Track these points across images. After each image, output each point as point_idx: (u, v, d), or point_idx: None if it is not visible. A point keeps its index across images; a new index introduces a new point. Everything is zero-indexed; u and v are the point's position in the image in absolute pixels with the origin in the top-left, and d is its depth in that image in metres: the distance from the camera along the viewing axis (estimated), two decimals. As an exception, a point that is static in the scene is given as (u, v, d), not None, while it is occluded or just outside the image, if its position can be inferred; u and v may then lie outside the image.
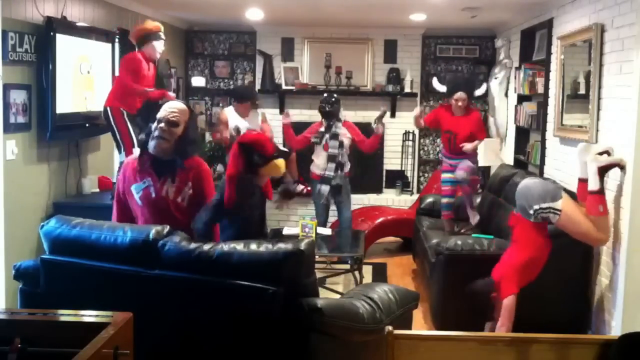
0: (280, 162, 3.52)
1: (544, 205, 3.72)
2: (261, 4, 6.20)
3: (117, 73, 5.48)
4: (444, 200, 5.70)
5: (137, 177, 3.37)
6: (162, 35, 4.96)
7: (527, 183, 3.96)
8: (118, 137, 4.75)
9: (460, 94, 5.48)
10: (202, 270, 2.75)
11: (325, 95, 6.19)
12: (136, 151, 3.60)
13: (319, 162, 6.05)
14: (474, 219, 5.57)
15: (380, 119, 6.03)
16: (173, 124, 3.28)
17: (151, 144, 3.28)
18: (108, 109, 4.75)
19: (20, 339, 1.94)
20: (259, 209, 3.65)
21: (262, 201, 3.66)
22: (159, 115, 3.31)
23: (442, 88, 5.98)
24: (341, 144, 5.99)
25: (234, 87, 7.78)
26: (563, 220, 3.74)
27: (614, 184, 3.98)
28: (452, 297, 4.37)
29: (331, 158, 5.98)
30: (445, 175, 5.71)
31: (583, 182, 3.95)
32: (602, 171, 3.86)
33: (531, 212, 3.74)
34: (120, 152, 4.86)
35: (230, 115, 6.27)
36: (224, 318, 2.74)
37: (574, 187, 4.24)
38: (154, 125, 3.31)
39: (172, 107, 3.34)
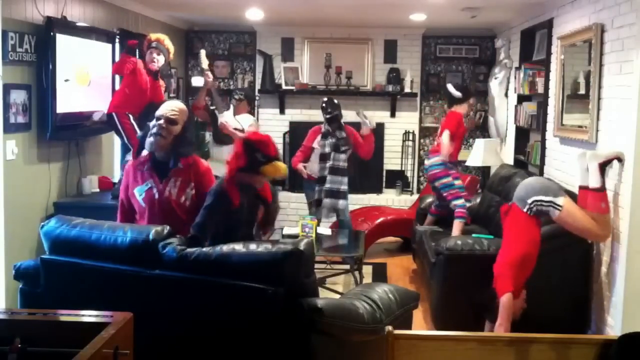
0: (282, 165, 3.39)
1: (545, 199, 3.72)
2: (261, 4, 6.20)
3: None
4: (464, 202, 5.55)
5: (138, 179, 3.39)
6: (159, 46, 4.92)
7: (530, 179, 3.98)
8: (126, 140, 4.76)
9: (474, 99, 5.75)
10: (202, 271, 2.75)
11: (325, 99, 6.09)
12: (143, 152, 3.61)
13: (314, 168, 6.03)
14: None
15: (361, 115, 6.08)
16: (172, 121, 3.32)
17: (148, 141, 3.32)
18: (114, 114, 4.76)
19: (20, 339, 1.94)
20: (252, 215, 3.43)
21: (255, 205, 3.44)
22: (158, 112, 3.36)
23: (458, 94, 5.95)
24: (345, 153, 5.96)
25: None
26: (563, 215, 3.74)
27: (614, 183, 3.97)
28: (452, 297, 4.37)
29: (334, 170, 5.91)
30: (460, 182, 5.62)
31: (584, 189, 3.93)
32: (603, 167, 3.86)
33: (529, 201, 3.73)
34: (128, 153, 4.86)
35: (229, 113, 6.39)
36: (224, 318, 2.74)
37: (573, 187, 4.23)
38: (152, 123, 3.35)
39: (172, 106, 3.39)
